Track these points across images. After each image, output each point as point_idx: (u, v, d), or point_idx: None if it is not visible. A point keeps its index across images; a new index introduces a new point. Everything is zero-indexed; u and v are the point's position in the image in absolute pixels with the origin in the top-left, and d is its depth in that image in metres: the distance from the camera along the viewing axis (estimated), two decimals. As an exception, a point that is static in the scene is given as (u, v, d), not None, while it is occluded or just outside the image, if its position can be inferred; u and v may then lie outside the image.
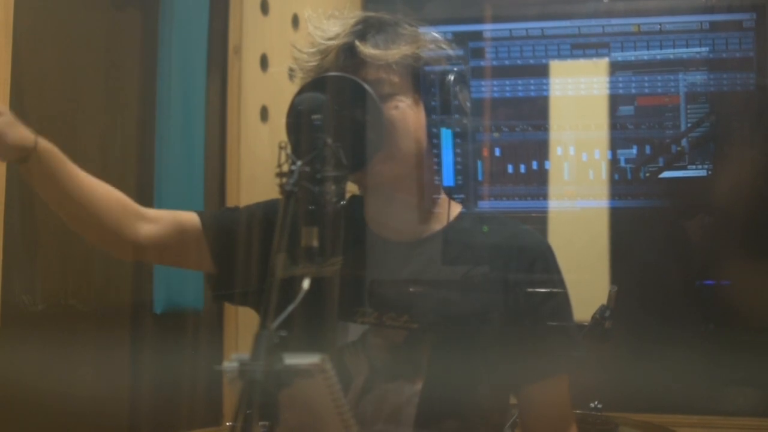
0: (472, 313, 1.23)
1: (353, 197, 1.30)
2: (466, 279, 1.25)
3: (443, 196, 1.30)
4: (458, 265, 1.26)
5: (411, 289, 1.25)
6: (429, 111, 1.24)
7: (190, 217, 1.33)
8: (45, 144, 1.18)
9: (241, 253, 1.31)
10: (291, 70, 1.30)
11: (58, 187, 1.21)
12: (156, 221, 1.30)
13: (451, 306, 1.24)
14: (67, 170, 1.22)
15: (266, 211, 1.32)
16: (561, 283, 1.28)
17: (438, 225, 1.29)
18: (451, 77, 1.23)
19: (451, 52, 1.29)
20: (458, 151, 1.24)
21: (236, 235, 1.32)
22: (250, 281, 1.27)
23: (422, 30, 1.27)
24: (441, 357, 1.20)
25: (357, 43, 1.20)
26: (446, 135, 1.23)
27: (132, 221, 1.28)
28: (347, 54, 1.21)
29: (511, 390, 1.29)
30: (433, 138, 1.24)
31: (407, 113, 1.22)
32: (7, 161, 1.25)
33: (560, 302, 1.28)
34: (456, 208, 1.30)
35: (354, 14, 1.26)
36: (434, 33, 1.28)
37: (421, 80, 1.24)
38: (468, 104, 1.24)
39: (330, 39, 1.22)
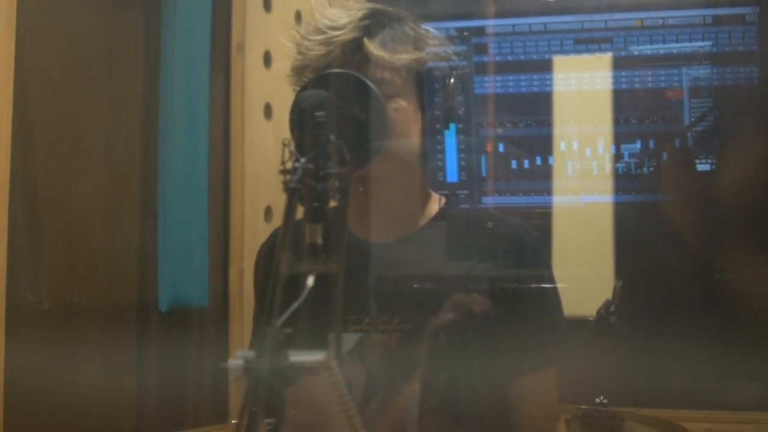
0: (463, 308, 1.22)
1: None
2: (454, 274, 1.24)
3: (429, 193, 1.30)
4: (446, 260, 1.26)
5: (400, 290, 1.24)
6: (429, 114, 1.23)
7: None
8: None
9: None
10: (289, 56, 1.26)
11: None
12: None
13: (442, 303, 1.23)
14: None
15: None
16: (550, 274, 1.27)
17: (423, 221, 1.28)
18: (454, 82, 1.22)
19: (454, 56, 1.28)
20: (462, 155, 1.24)
21: None
22: None
23: (426, 30, 1.27)
24: (436, 355, 1.20)
25: (366, 40, 1.20)
26: (450, 138, 1.23)
27: None
28: (354, 49, 1.21)
29: (501, 383, 1.28)
30: (430, 140, 1.24)
31: (407, 115, 1.22)
32: None
33: (548, 294, 1.27)
34: (441, 203, 1.29)
35: (360, 5, 1.26)
36: (437, 34, 1.28)
37: (423, 84, 1.24)
38: (468, 108, 1.24)
39: (336, 29, 1.21)
